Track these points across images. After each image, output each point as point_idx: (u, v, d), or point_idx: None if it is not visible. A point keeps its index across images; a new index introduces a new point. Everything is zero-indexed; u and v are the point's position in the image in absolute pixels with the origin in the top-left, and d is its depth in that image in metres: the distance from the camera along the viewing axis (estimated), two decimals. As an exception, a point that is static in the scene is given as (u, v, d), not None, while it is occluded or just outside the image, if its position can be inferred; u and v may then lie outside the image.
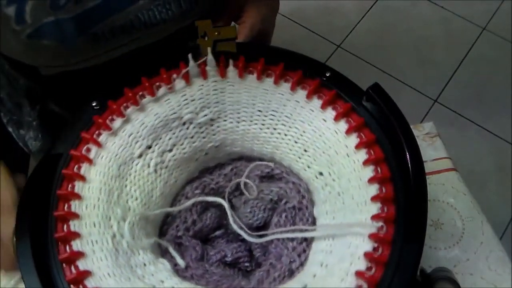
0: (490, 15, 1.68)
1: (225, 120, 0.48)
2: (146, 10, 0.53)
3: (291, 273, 0.43)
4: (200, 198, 0.47)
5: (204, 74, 0.47)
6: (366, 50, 1.59)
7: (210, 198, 0.47)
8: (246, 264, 0.46)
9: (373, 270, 0.37)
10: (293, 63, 0.47)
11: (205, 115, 0.48)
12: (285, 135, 0.47)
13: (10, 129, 0.64)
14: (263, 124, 0.48)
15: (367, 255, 0.37)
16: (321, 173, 0.45)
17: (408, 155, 0.40)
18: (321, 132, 0.45)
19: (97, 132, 0.45)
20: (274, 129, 0.48)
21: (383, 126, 0.43)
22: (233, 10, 0.59)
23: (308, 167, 0.46)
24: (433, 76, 1.55)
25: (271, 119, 0.48)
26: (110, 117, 0.45)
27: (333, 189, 0.43)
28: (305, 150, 0.46)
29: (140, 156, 0.46)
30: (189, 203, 0.46)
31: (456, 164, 0.64)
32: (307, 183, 0.47)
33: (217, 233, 0.49)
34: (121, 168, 0.44)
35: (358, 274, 0.37)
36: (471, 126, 1.47)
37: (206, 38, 0.46)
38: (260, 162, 0.49)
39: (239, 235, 0.45)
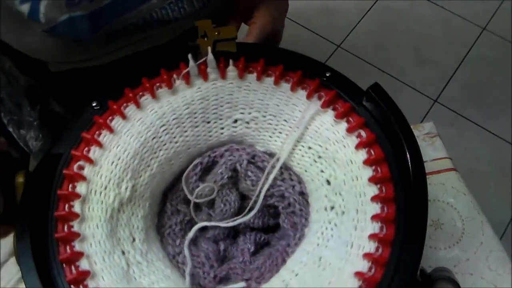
0: (490, 15, 1.68)
1: (221, 119, 0.49)
2: (159, 8, 0.54)
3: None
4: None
5: (204, 75, 0.47)
6: (366, 50, 1.59)
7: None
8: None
9: (373, 270, 0.37)
10: (293, 63, 0.47)
11: (204, 116, 0.48)
12: (286, 135, 0.47)
13: (10, 129, 0.64)
14: (262, 125, 0.48)
15: (366, 255, 0.37)
16: (322, 171, 0.45)
17: (408, 155, 0.40)
18: (320, 131, 0.45)
19: (97, 132, 0.45)
20: (275, 129, 0.48)
21: (383, 126, 0.43)
22: (243, 10, 0.59)
23: (308, 165, 0.46)
24: (433, 76, 1.55)
25: (270, 120, 0.48)
26: (110, 117, 0.45)
27: (332, 189, 0.43)
28: (307, 149, 0.46)
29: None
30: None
31: (456, 164, 0.64)
32: (304, 181, 0.47)
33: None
34: (122, 169, 0.45)
35: (358, 274, 0.37)
36: (471, 126, 1.47)
37: (206, 38, 0.46)
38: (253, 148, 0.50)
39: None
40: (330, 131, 0.44)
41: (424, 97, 1.52)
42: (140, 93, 0.46)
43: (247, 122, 0.48)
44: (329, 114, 0.45)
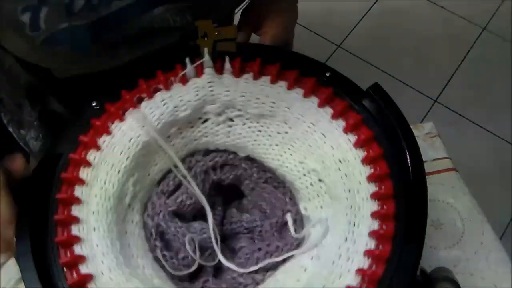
0: (490, 15, 1.68)
1: (218, 116, 0.48)
2: (160, 18, 0.53)
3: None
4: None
5: (201, 76, 0.47)
6: (366, 50, 1.59)
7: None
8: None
9: (374, 267, 0.37)
10: (293, 63, 0.47)
11: (201, 116, 0.48)
12: (278, 132, 0.47)
13: (10, 129, 0.64)
14: (262, 126, 0.48)
15: (367, 252, 0.37)
16: (314, 170, 0.45)
17: (408, 155, 0.40)
18: (315, 129, 0.45)
19: (95, 135, 0.44)
20: (273, 130, 0.48)
21: (383, 126, 0.43)
22: (254, 19, 0.59)
23: (300, 162, 0.46)
24: (433, 76, 1.55)
25: (266, 119, 0.48)
26: (108, 120, 0.45)
27: (330, 187, 0.43)
28: (298, 146, 0.46)
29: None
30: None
31: (456, 164, 0.64)
32: (295, 182, 0.47)
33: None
34: (121, 172, 0.44)
35: (359, 271, 0.37)
36: (471, 126, 1.47)
37: (206, 38, 0.46)
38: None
39: None
40: (327, 129, 0.44)
41: (424, 97, 1.52)
42: (137, 95, 0.46)
43: (242, 122, 0.48)
44: (326, 112, 0.45)
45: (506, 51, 1.60)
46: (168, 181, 0.47)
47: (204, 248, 0.44)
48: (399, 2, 1.69)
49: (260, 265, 0.43)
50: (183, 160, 0.48)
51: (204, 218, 0.46)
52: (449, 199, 0.61)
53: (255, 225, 0.47)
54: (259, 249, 0.45)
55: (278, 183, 0.49)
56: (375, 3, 1.70)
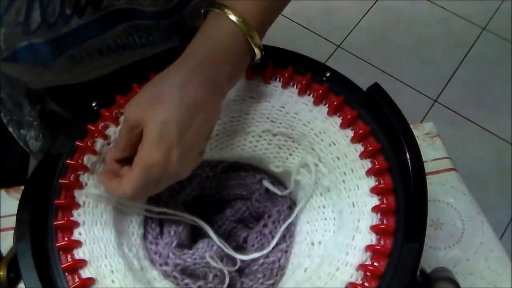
0: (490, 15, 1.68)
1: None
2: (125, 36, 0.52)
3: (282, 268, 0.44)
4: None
5: None
6: (366, 50, 1.59)
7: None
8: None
9: (376, 263, 0.37)
10: (292, 63, 0.47)
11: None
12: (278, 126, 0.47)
13: (10, 129, 0.64)
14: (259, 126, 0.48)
15: (369, 247, 0.37)
16: (315, 164, 0.45)
17: (408, 155, 0.40)
18: (312, 126, 0.45)
19: (91, 140, 0.44)
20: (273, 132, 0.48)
21: (383, 126, 0.43)
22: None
23: (300, 158, 0.47)
24: (433, 76, 1.55)
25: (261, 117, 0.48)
26: (103, 125, 0.45)
27: (332, 182, 0.44)
28: (298, 144, 0.47)
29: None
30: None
31: (456, 164, 0.64)
32: (295, 178, 0.47)
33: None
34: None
35: (361, 267, 0.37)
36: (471, 126, 1.47)
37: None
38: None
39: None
40: (324, 125, 0.45)
41: (424, 97, 1.52)
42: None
43: (241, 121, 0.48)
44: (323, 109, 0.45)
45: (506, 51, 1.60)
46: (151, 224, 0.47)
47: (220, 258, 0.44)
48: (399, 2, 1.69)
49: (279, 234, 0.44)
50: None
51: (197, 237, 0.47)
52: (449, 199, 0.61)
53: (242, 211, 0.48)
54: (265, 225, 0.46)
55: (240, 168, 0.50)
56: (375, 3, 1.70)
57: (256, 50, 0.42)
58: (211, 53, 0.40)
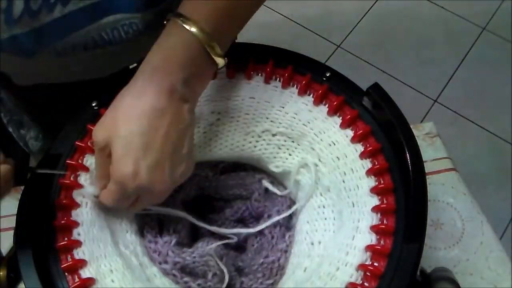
0: (490, 15, 1.68)
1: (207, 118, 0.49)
2: (110, 29, 0.51)
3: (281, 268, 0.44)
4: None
5: None
6: (366, 50, 1.59)
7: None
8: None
9: (376, 263, 0.37)
10: (292, 63, 0.47)
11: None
12: (277, 127, 0.47)
13: (10, 129, 0.64)
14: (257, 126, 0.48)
15: (369, 247, 0.37)
16: (315, 164, 0.45)
17: (408, 155, 0.40)
18: (312, 126, 0.45)
19: (91, 140, 0.44)
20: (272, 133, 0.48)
21: (383, 126, 0.43)
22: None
23: (299, 158, 0.47)
24: (433, 76, 1.55)
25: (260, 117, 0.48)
26: None
27: (332, 182, 0.44)
28: (298, 144, 0.46)
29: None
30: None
31: (456, 164, 0.64)
32: (295, 179, 0.47)
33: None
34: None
35: (361, 267, 0.37)
36: (471, 126, 1.47)
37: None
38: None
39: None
40: (326, 125, 0.45)
41: (424, 97, 1.52)
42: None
43: (239, 121, 0.48)
44: (322, 110, 0.45)
45: (506, 51, 1.60)
46: (150, 222, 0.47)
47: (219, 257, 0.44)
48: (399, 2, 1.69)
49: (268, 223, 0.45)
50: None
51: (197, 236, 0.47)
52: (449, 199, 0.61)
53: (242, 211, 0.48)
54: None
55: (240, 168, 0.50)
56: (375, 3, 1.70)
57: (218, 59, 0.41)
58: (164, 60, 0.40)
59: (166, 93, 0.39)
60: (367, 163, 0.41)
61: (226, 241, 0.45)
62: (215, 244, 0.44)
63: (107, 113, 0.40)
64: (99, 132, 0.39)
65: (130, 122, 0.38)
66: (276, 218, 0.46)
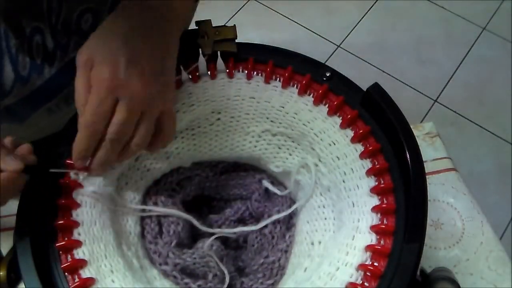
0: (490, 15, 1.68)
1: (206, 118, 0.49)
2: None
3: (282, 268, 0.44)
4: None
5: (194, 79, 0.47)
6: (366, 50, 1.59)
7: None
8: None
9: (376, 263, 0.37)
10: (292, 63, 0.47)
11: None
12: (278, 127, 0.47)
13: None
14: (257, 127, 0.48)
15: (369, 247, 0.37)
16: (315, 164, 0.45)
17: (408, 155, 0.40)
18: (312, 126, 0.45)
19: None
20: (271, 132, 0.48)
21: (383, 126, 0.43)
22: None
23: (299, 158, 0.46)
24: (433, 76, 1.55)
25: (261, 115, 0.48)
26: None
27: (332, 182, 0.44)
28: (298, 144, 0.46)
29: (136, 159, 0.46)
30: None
31: (456, 164, 0.64)
32: (295, 178, 0.47)
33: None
34: (119, 174, 0.44)
35: (361, 267, 0.37)
36: (471, 126, 1.47)
37: (206, 38, 0.46)
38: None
39: None
40: (326, 125, 0.45)
41: (424, 97, 1.52)
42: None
43: (240, 120, 0.48)
44: (323, 110, 0.45)
45: (506, 51, 1.60)
46: (150, 223, 0.47)
47: (220, 258, 0.44)
48: (399, 2, 1.69)
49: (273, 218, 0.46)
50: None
51: (197, 236, 0.47)
52: (449, 199, 0.61)
53: (242, 211, 0.48)
54: (265, 225, 0.46)
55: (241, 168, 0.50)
56: (375, 3, 1.70)
57: None
58: None
59: (149, 11, 0.40)
60: (367, 163, 0.41)
61: (226, 234, 0.45)
62: (212, 238, 0.44)
63: (92, 35, 0.39)
64: (83, 49, 0.38)
65: (113, 35, 0.37)
66: (277, 216, 0.46)
